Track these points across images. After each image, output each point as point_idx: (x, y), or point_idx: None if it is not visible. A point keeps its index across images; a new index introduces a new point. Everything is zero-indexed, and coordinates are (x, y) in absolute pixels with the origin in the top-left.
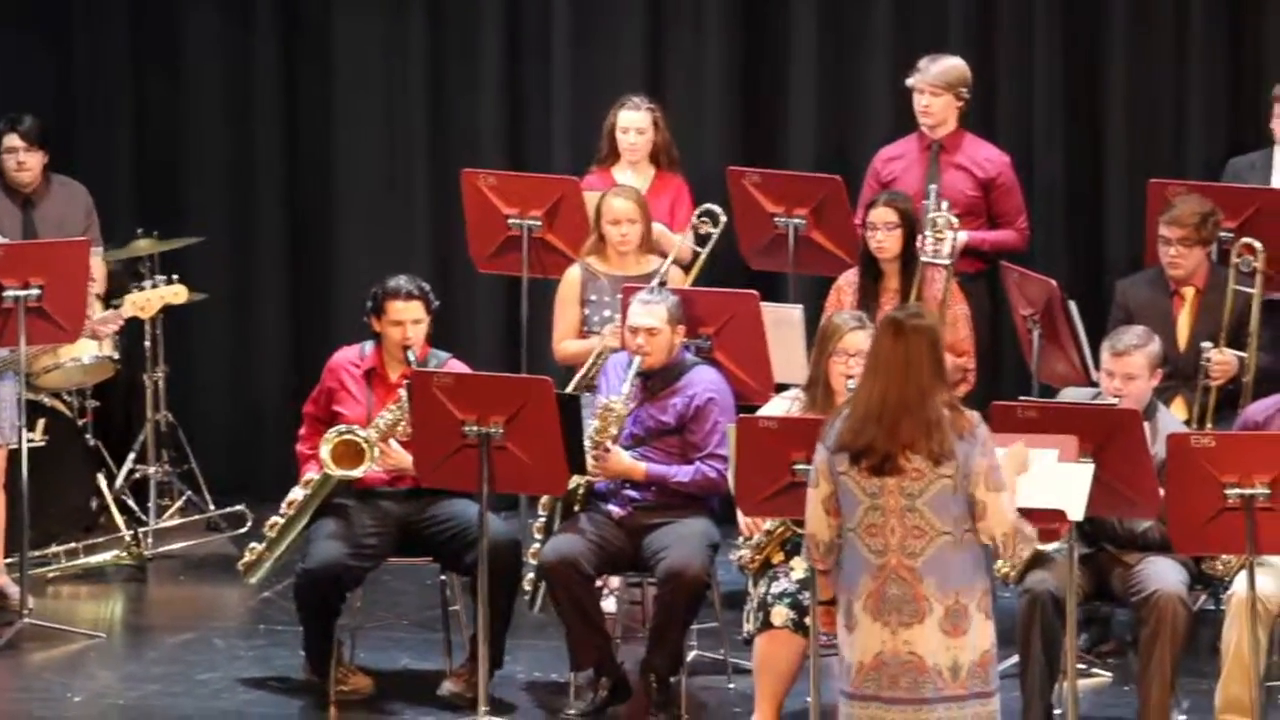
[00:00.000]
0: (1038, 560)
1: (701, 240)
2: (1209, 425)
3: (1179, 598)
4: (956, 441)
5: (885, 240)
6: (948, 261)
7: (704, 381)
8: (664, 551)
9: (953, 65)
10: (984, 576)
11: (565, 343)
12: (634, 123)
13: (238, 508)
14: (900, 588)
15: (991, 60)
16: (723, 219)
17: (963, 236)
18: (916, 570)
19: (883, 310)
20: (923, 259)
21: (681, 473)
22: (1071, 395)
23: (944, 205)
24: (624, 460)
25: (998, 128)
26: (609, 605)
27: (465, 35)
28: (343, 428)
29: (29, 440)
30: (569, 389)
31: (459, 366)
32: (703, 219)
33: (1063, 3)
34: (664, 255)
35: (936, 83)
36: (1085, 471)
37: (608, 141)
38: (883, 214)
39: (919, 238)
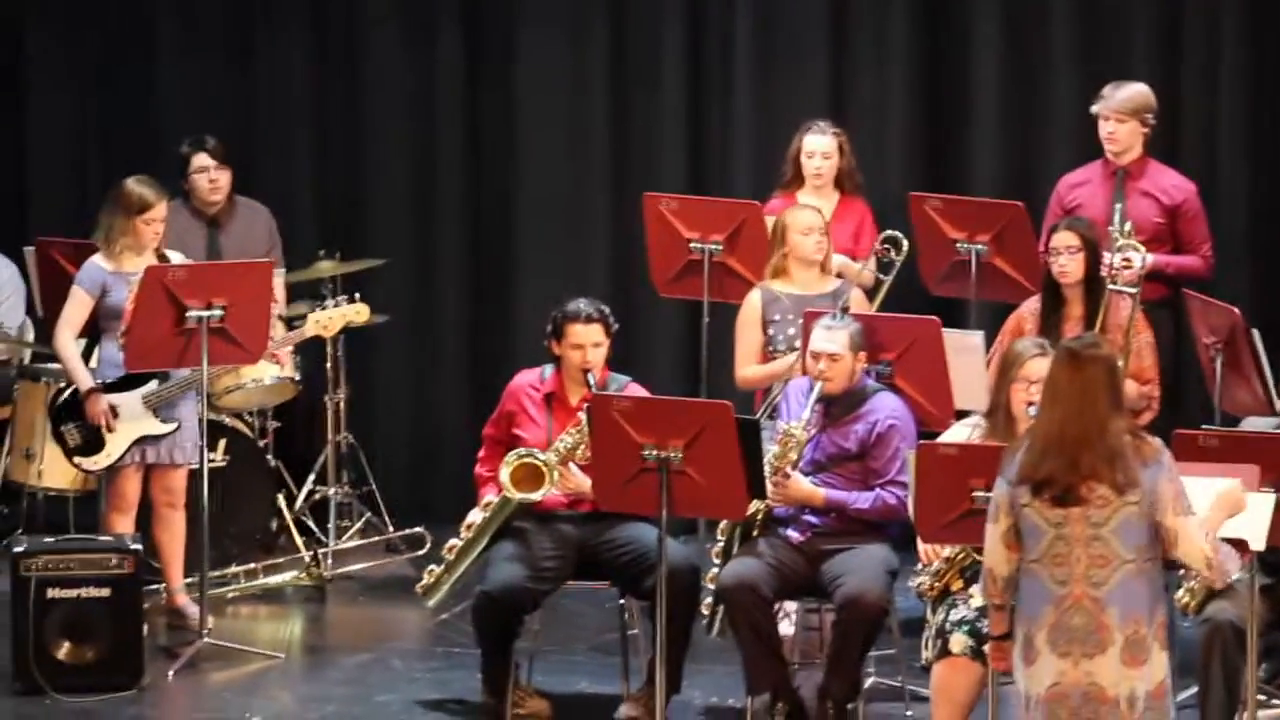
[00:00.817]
0: (1218, 590)
1: (884, 267)
2: None
3: None
4: (1141, 469)
5: (1068, 265)
6: (1134, 289)
7: (886, 408)
8: (843, 577)
9: (1138, 91)
10: (1162, 606)
11: (747, 368)
12: (819, 147)
13: (417, 529)
14: (1084, 618)
15: (1176, 87)
16: (905, 246)
17: (1149, 259)
18: (1100, 600)
19: (1066, 337)
20: (1109, 287)
21: (861, 499)
22: (1254, 424)
23: (1128, 227)
24: (804, 487)
25: (1182, 155)
26: (785, 628)
27: (648, 60)
28: (522, 451)
29: (210, 460)
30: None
31: (638, 390)
32: (885, 245)
33: (1248, 29)
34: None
35: (1122, 109)
36: (1268, 501)
37: (792, 166)
38: (1065, 238)
39: (1107, 259)
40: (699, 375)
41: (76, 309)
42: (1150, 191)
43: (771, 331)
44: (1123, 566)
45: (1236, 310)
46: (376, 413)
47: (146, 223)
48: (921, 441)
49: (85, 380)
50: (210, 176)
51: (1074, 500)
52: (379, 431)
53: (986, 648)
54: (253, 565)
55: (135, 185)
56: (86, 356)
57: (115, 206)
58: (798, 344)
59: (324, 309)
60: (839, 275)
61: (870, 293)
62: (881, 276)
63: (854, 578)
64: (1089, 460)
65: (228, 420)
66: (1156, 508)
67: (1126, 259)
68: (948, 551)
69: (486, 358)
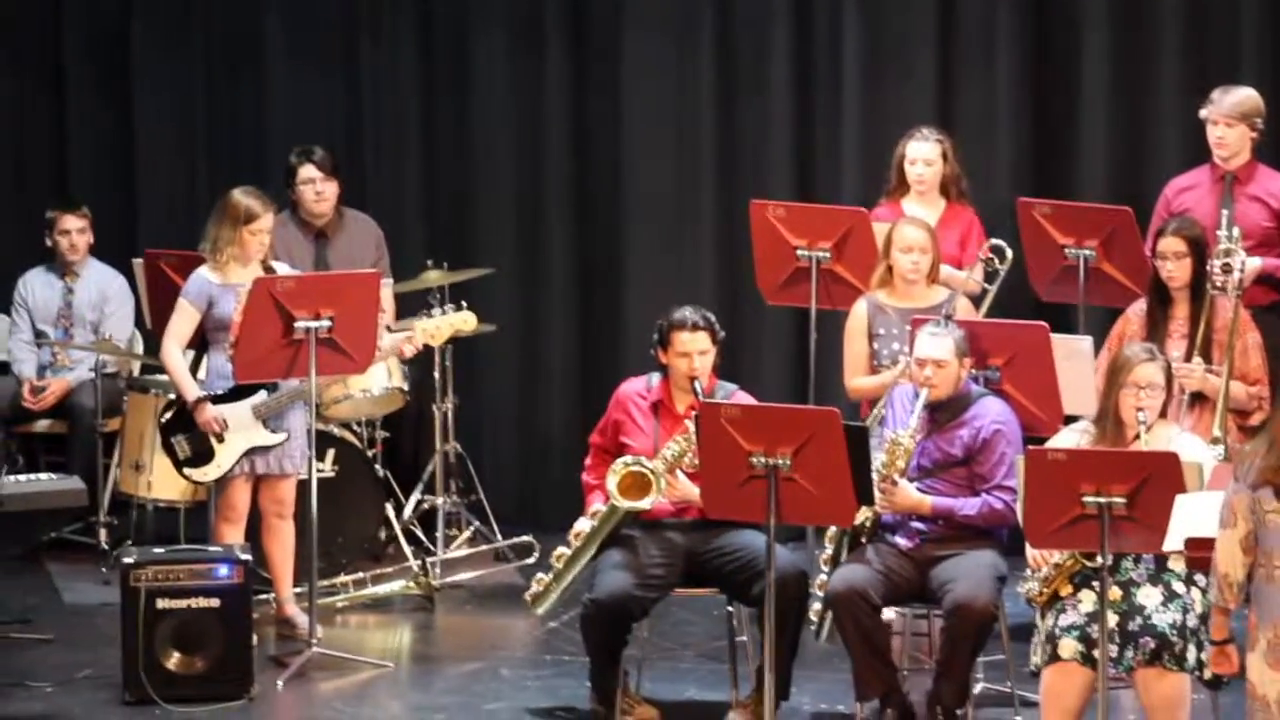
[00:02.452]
0: None
1: (990, 276)
2: None
3: None
4: None
5: (1175, 270)
6: (1237, 291)
7: (991, 413)
8: (951, 583)
9: (1247, 96)
10: None
11: (857, 379)
12: (922, 154)
13: (525, 538)
14: None
15: None
16: (1010, 255)
17: (1254, 262)
18: None
19: (1171, 339)
20: (1210, 290)
21: (968, 505)
22: None
23: (1236, 232)
24: (911, 495)
25: None
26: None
27: (755, 66)
28: (630, 459)
29: (319, 470)
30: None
31: (746, 398)
32: (990, 254)
33: None
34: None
35: (1231, 114)
36: None
37: (896, 173)
38: (1171, 244)
39: (1209, 264)
40: (807, 382)
41: (183, 321)
42: (1259, 196)
43: (876, 345)
44: None
45: None
46: (484, 422)
47: (253, 233)
48: (1030, 447)
49: (192, 391)
50: (317, 188)
51: None
52: (487, 440)
53: (1096, 651)
54: (361, 575)
55: (241, 196)
56: (195, 368)
57: (222, 217)
58: (901, 358)
59: (431, 317)
60: (945, 285)
61: (976, 301)
62: (986, 286)
63: (963, 583)
64: None
65: (336, 430)
66: None
67: (1226, 264)
68: (1057, 557)
69: (593, 366)
